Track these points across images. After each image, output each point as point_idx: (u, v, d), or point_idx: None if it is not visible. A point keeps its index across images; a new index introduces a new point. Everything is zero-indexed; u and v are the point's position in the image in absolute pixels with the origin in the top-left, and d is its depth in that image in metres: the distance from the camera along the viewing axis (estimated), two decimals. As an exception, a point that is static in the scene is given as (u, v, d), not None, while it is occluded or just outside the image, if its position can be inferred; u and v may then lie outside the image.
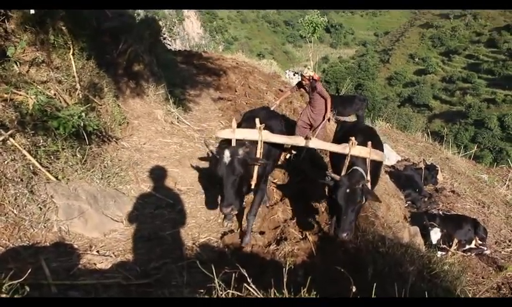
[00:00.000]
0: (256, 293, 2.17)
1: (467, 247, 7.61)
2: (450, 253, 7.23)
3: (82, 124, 5.13)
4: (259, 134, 4.59)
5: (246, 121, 4.98)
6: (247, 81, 12.86)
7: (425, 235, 7.11)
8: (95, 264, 4.08)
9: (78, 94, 6.14)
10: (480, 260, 7.57)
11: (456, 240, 7.49)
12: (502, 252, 7.94)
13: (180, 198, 5.74)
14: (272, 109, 7.47)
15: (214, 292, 2.26)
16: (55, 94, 5.63)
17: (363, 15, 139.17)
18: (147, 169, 6.24)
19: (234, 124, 4.56)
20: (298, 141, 5.04)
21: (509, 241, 8.31)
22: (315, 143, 5.06)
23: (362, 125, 5.98)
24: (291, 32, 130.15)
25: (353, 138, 4.67)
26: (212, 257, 4.48)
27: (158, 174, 6.17)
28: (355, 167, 4.62)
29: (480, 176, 13.74)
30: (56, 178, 4.74)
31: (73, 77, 6.18)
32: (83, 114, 5.20)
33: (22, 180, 4.34)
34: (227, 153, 4.13)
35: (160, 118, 8.06)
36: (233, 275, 2.45)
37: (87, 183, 4.99)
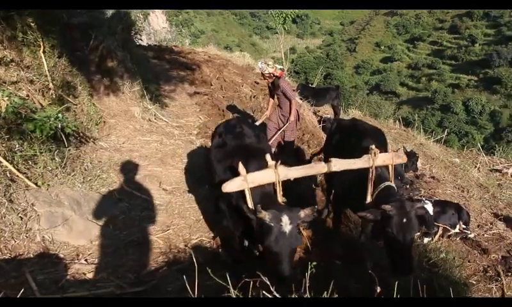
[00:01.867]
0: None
1: (452, 231, 7.65)
2: (436, 238, 7.25)
3: (59, 126, 4.85)
4: (276, 174, 3.69)
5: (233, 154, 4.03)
6: (221, 74, 12.66)
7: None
8: (85, 274, 3.86)
9: (51, 94, 5.84)
10: (465, 244, 7.63)
11: (441, 226, 7.50)
12: (485, 235, 8.01)
13: (166, 198, 5.53)
14: (258, 123, 7.03)
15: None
16: (27, 95, 5.32)
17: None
18: (129, 169, 5.98)
19: (243, 170, 3.56)
20: (319, 168, 4.13)
21: (491, 224, 8.39)
22: (338, 165, 4.02)
23: (362, 125, 5.38)
24: (257, 24, 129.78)
25: (373, 146, 4.06)
26: (207, 259, 4.30)
27: (141, 174, 5.94)
28: (387, 184, 4.08)
29: (453, 160, 13.95)
30: (36, 184, 4.46)
31: (46, 76, 5.87)
32: (60, 115, 4.93)
33: (-1, 188, 4.06)
34: (285, 219, 3.22)
35: (137, 115, 7.78)
36: (251, 283, 2.29)
37: (69, 188, 4.72)
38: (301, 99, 11.79)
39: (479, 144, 16.17)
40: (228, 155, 4.05)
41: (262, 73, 6.75)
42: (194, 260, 2.53)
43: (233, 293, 2.14)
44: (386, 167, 4.26)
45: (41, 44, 6.00)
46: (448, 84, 75.32)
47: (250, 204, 3.55)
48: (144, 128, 7.51)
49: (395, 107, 67.32)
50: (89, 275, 3.85)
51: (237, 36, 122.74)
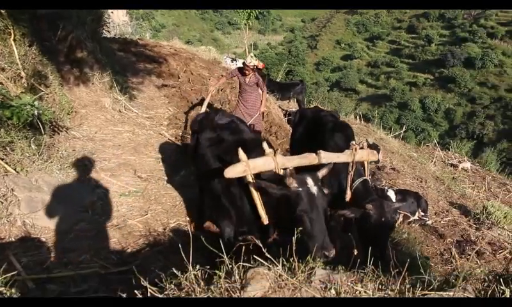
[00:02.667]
0: (267, 264, 2.23)
1: (412, 218, 8.07)
2: (397, 223, 7.64)
3: (36, 113, 4.89)
4: (275, 162, 3.66)
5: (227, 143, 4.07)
6: (188, 68, 12.75)
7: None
8: (68, 256, 3.94)
9: (23, 82, 5.82)
10: (423, 230, 8.08)
11: (402, 213, 7.89)
12: (442, 222, 8.48)
13: (142, 185, 5.64)
14: (209, 97, 7.34)
15: (222, 268, 2.29)
16: (1, 83, 5.31)
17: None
18: (103, 158, 6.06)
19: (244, 156, 3.47)
20: (311, 159, 4.03)
21: (447, 211, 8.89)
22: (326, 158, 4.03)
23: (328, 115, 5.47)
24: (219, 19, 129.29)
25: (354, 142, 4.23)
26: (186, 241, 4.46)
27: (115, 162, 6.02)
28: (364, 179, 4.27)
29: (411, 154, 14.58)
30: (15, 170, 4.49)
31: (17, 64, 5.84)
32: (36, 102, 4.96)
33: (-22, 173, 4.09)
34: (310, 181, 3.27)
35: (107, 106, 7.81)
36: (243, 247, 2.50)
37: (47, 175, 4.77)
38: (267, 93, 12.06)
39: (435, 140, 16.93)
40: (228, 151, 3.95)
41: (244, 64, 7.01)
42: (191, 236, 2.69)
43: (226, 259, 2.33)
44: (361, 162, 4.42)
45: (12, 32, 5.96)
46: (405, 82, 77.38)
47: (254, 192, 3.51)
48: (115, 119, 7.56)
49: (355, 103, 68.72)
50: (73, 257, 3.94)
51: (198, 30, 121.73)
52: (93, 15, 8.49)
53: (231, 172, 3.41)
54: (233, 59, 21.89)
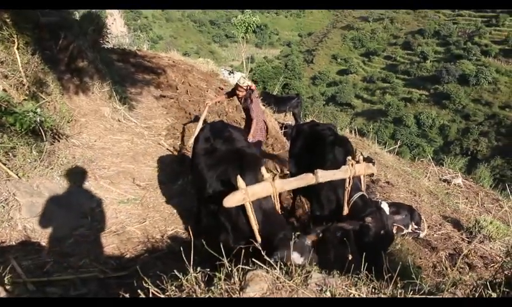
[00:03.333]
0: (265, 267, 2.33)
1: (405, 231, 8.15)
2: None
3: (38, 120, 4.98)
4: (272, 187, 3.67)
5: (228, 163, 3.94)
6: (187, 79, 12.87)
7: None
8: (68, 260, 4.01)
9: (26, 90, 5.91)
10: (417, 243, 8.16)
11: (395, 225, 7.97)
12: (435, 235, 8.57)
13: (140, 193, 5.73)
14: (204, 114, 7.37)
15: (222, 270, 2.38)
16: (4, 90, 5.40)
17: (287, 16, 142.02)
18: (102, 166, 6.14)
19: (243, 184, 3.45)
20: (309, 180, 4.06)
21: (440, 225, 8.99)
22: (323, 176, 4.09)
23: (326, 129, 5.47)
24: (217, 32, 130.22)
25: (350, 157, 4.27)
26: (184, 247, 4.54)
27: (115, 170, 6.11)
28: (360, 193, 4.32)
29: (405, 169, 14.70)
30: (17, 175, 4.57)
31: (19, 72, 5.94)
32: (38, 109, 5.06)
33: (-19, 178, 4.17)
34: (296, 256, 3.18)
35: (107, 115, 7.89)
36: (242, 250, 2.60)
37: (48, 181, 4.86)
38: (264, 105, 12.20)
39: (429, 156, 17.05)
40: (220, 162, 3.98)
41: (238, 85, 6.92)
42: (192, 239, 2.77)
43: (226, 262, 2.42)
44: (358, 177, 4.46)
45: (16, 40, 6.07)
46: (401, 98, 77.96)
47: (252, 217, 3.51)
48: (114, 128, 7.65)
49: (351, 118, 69.01)
50: (73, 262, 4.01)
51: (195, 43, 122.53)
52: (94, 25, 8.62)
53: (230, 201, 3.41)
54: (231, 72, 22.09)
